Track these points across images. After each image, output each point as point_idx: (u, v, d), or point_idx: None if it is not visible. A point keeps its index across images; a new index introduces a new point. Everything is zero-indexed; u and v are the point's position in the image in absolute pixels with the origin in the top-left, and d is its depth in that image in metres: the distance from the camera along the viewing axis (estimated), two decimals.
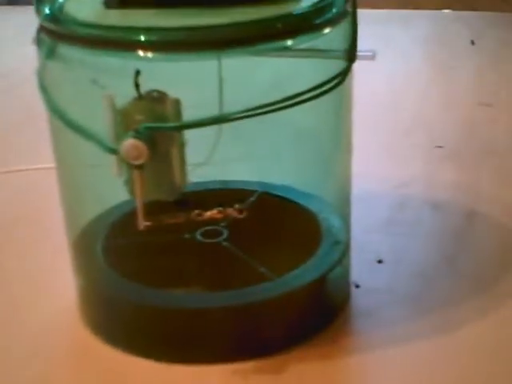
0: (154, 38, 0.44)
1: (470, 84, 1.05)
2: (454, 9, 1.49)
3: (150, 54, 0.44)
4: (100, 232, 0.60)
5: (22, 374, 0.53)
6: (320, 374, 0.51)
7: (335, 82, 0.48)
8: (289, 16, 0.46)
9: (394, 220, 0.70)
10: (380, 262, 0.63)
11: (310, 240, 0.58)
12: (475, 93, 1.02)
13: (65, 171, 0.58)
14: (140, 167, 0.44)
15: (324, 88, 0.47)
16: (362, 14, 1.39)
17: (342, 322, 0.56)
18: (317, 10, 0.47)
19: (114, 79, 0.48)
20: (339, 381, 0.52)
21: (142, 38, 0.44)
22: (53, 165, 0.58)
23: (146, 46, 0.44)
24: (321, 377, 0.51)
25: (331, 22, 0.48)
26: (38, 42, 0.51)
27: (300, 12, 0.47)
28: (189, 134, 0.47)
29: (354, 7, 0.49)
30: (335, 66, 0.50)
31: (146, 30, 0.44)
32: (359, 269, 0.61)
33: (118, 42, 0.44)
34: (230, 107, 0.46)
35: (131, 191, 0.47)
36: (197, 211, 0.52)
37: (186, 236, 0.59)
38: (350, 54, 0.49)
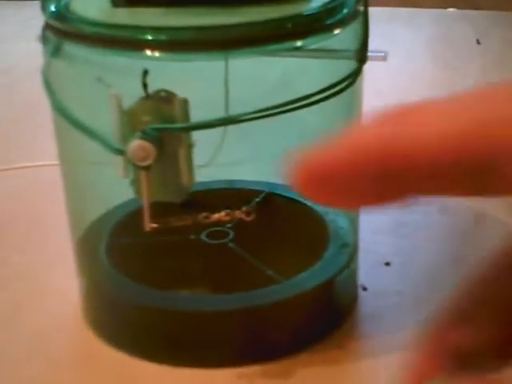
0: (161, 37, 0.43)
1: (476, 84, 1.05)
2: (458, 7, 1.48)
3: (157, 54, 0.43)
4: (104, 231, 0.59)
5: (22, 375, 0.52)
6: (327, 379, 0.51)
7: (346, 83, 0.47)
8: (299, 16, 0.46)
9: (402, 222, 0.69)
10: (388, 264, 0.62)
11: (317, 242, 0.57)
12: None
13: (69, 169, 0.57)
14: (147, 168, 0.43)
15: (334, 89, 0.46)
16: None
17: (350, 326, 0.56)
18: (328, 11, 0.46)
19: (120, 78, 0.47)
20: None
21: (150, 37, 0.43)
22: (56, 162, 0.57)
23: (153, 46, 0.43)
24: (328, 381, 0.51)
25: (342, 23, 0.47)
26: (44, 39, 0.50)
27: (311, 12, 0.46)
28: (194, 134, 0.47)
29: (366, 7, 0.48)
30: (345, 66, 0.49)
31: (154, 29, 0.43)
32: (367, 271, 0.60)
33: (125, 40, 0.43)
34: (238, 107, 0.45)
35: (137, 192, 0.46)
36: (204, 213, 0.52)
37: (192, 237, 0.58)
38: (361, 55, 0.49)
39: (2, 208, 0.74)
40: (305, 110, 0.46)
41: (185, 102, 0.44)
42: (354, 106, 0.54)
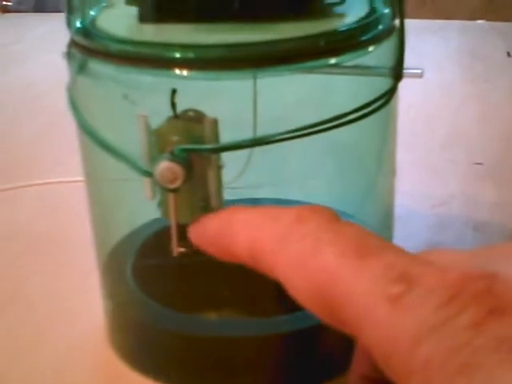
0: (189, 55, 0.41)
1: (507, 98, 1.02)
2: (487, 19, 1.46)
3: (185, 72, 0.41)
4: (130, 252, 0.57)
5: None
6: None
7: (382, 101, 0.45)
8: (332, 33, 0.44)
9: (434, 241, 0.67)
10: None
11: None
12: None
13: (94, 187, 0.56)
14: (175, 191, 0.42)
15: (370, 108, 0.44)
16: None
17: None
18: (362, 27, 0.45)
19: (147, 96, 0.46)
20: None
21: (178, 55, 0.41)
22: (80, 178, 0.56)
23: (181, 64, 0.41)
24: None
25: (377, 39, 0.45)
26: (69, 56, 0.49)
27: (345, 29, 0.44)
28: (223, 155, 0.45)
29: (402, 23, 0.46)
30: (378, 83, 0.48)
31: (182, 46, 0.41)
32: None
33: (153, 58, 0.42)
34: (269, 126, 0.44)
35: (165, 215, 0.44)
36: None
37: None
38: (397, 72, 0.47)
39: (25, 226, 0.73)
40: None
41: (214, 122, 0.42)
42: (389, 123, 0.52)
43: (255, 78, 0.41)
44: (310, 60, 0.42)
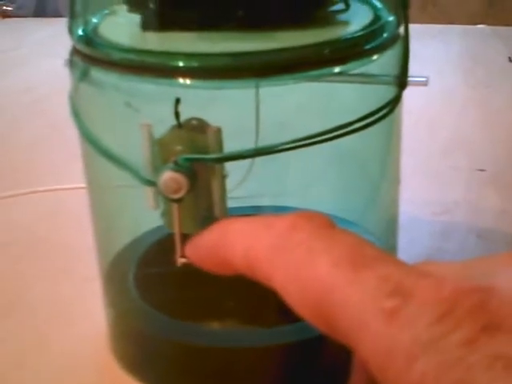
0: (193, 63, 0.41)
1: (509, 103, 1.02)
2: (488, 24, 1.45)
3: (188, 81, 0.41)
4: (132, 260, 0.57)
5: None
6: None
7: (386, 110, 0.45)
8: (337, 41, 0.43)
9: (438, 249, 0.67)
10: None
11: None
12: None
13: (96, 195, 0.55)
14: (179, 201, 0.41)
15: (375, 117, 0.44)
16: None
17: None
18: (367, 35, 0.44)
19: (150, 104, 0.45)
20: None
21: (181, 64, 0.41)
22: (83, 185, 0.55)
23: (184, 72, 0.41)
24: None
25: (382, 48, 0.45)
26: (71, 64, 0.48)
27: (349, 37, 0.44)
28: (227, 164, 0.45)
29: (407, 31, 0.46)
30: (382, 91, 0.47)
31: (185, 55, 0.41)
32: None
33: (156, 67, 0.41)
34: (273, 134, 0.43)
35: (168, 225, 0.44)
36: None
37: None
38: (401, 80, 0.46)
39: (25, 233, 0.73)
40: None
41: (218, 132, 0.42)
42: (393, 131, 0.51)
43: (258, 87, 0.41)
44: (314, 69, 0.42)
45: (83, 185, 0.55)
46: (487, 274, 0.27)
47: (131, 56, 0.42)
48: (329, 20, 0.46)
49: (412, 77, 0.46)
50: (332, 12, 0.47)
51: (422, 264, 0.30)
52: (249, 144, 0.45)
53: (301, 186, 0.62)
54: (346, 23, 0.46)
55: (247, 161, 0.48)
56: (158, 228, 0.57)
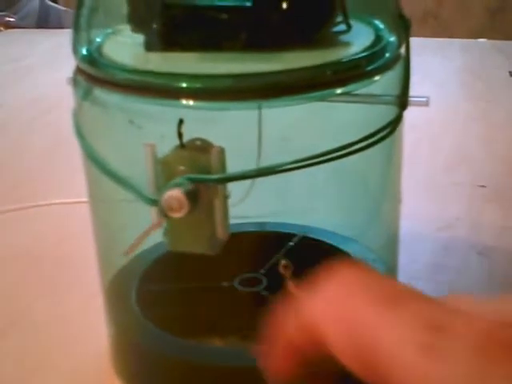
0: (196, 85, 0.41)
1: (509, 118, 1.02)
2: (489, 37, 1.46)
3: (191, 102, 0.41)
4: (134, 277, 0.57)
5: None
6: None
7: (388, 130, 0.45)
8: (339, 63, 0.44)
9: (439, 266, 0.67)
10: None
11: None
12: None
13: (99, 212, 0.55)
14: (181, 220, 0.42)
15: (376, 137, 0.44)
16: None
17: None
18: (369, 56, 0.45)
19: (153, 124, 0.46)
20: None
21: (184, 85, 0.41)
22: (85, 199, 0.55)
23: (187, 94, 0.41)
24: None
25: (383, 69, 0.45)
26: (74, 82, 0.49)
27: (351, 59, 0.44)
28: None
29: (408, 52, 0.46)
30: (383, 111, 0.48)
31: (188, 76, 0.41)
32: None
33: (159, 88, 0.42)
34: (276, 153, 0.44)
35: (171, 244, 0.44)
36: None
37: (224, 284, 0.56)
38: (403, 101, 0.47)
39: (28, 248, 0.73)
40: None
41: (221, 152, 0.42)
42: (394, 150, 0.52)
43: (260, 109, 0.41)
44: (316, 91, 0.42)
45: (86, 199, 0.55)
46: None
47: (135, 77, 0.43)
48: (331, 41, 0.46)
49: (413, 97, 0.47)
50: (334, 33, 0.47)
51: (449, 299, 0.31)
52: (251, 162, 0.46)
53: (302, 202, 0.62)
54: (347, 44, 0.47)
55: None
56: (159, 244, 0.57)
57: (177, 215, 0.41)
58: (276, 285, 0.55)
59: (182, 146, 0.42)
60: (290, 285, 0.35)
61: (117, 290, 0.57)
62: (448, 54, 1.34)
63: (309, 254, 0.59)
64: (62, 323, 0.61)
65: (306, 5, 0.45)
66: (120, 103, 0.44)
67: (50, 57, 1.41)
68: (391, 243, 0.57)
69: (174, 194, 0.41)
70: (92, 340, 0.58)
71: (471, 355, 0.24)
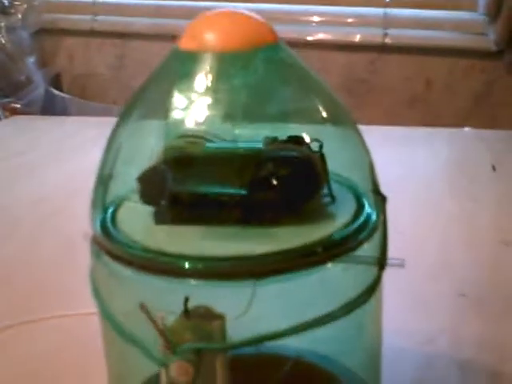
0: (197, 266, 0.47)
1: (492, 218, 1.09)
2: (472, 123, 1.53)
3: (193, 282, 0.47)
4: None
5: None
6: None
7: (370, 291, 0.51)
8: (328, 240, 0.50)
9: (421, 381, 0.72)
10: None
11: None
12: (497, 228, 1.05)
13: (110, 335, 0.60)
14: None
15: (361, 299, 0.50)
16: (381, 130, 1.42)
17: None
18: (355, 231, 0.51)
19: (160, 297, 0.52)
20: None
21: (187, 266, 0.47)
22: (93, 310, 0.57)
23: (190, 273, 0.48)
24: None
25: (367, 238, 0.51)
26: (92, 245, 0.55)
27: (338, 237, 0.50)
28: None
29: (385, 222, 0.53)
30: (364, 273, 0.54)
31: (190, 258, 0.48)
32: None
33: (164, 267, 0.48)
34: (269, 323, 0.49)
35: None
36: None
37: None
38: (381, 262, 0.53)
39: (44, 361, 0.78)
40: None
41: (222, 319, 0.48)
42: (376, 302, 0.57)
43: (254, 287, 0.47)
44: (308, 268, 0.48)
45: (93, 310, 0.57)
46: None
47: (144, 255, 0.49)
48: (318, 214, 0.53)
49: (390, 259, 0.53)
50: (321, 205, 0.54)
51: None
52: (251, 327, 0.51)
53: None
54: (333, 216, 0.53)
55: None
56: None
57: (183, 380, 0.47)
58: None
59: (188, 316, 0.49)
60: None
61: None
62: (434, 144, 1.40)
63: (302, 376, 0.65)
64: None
65: (294, 185, 0.51)
66: (131, 275, 0.50)
67: (56, 148, 1.45)
68: (374, 361, 0.62)
69: (180, 363, 0.47)
70: None
71: None
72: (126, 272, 0.50)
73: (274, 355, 0.68)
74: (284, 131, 0.54)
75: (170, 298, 0.51)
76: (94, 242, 0.54)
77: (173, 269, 0.48)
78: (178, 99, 0.53)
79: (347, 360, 0.65)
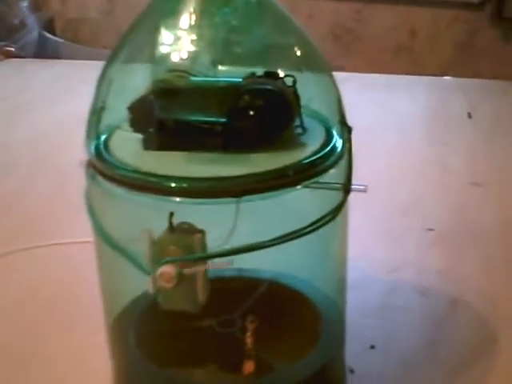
0: (182, 185, 0.53)
1: (464, 161, 1.15)
2: (456, 74, 1.58)
3: (178, 199, 0.54)
4: (133, 318, 0.68)
5: None
6: None
7: (335, 212, 0.58)
8: (298, 165, 0.56)
9: (385, 305, 0.79)
10: (373, 347, 0.73)
11: (312, 330, 0.67)
12: (468, 171, 1.11)
13: (104, 251, 0.64)
14: (171, 288, 0.54)
15: (326, 219, 0.56)
16: (365, 78, 1.48)
17: None
18: (323, 157, 0.57)
19: (148, 213, 0.58)
20: None
21: (173, 185, 0.53)
22: (90, 239, 0.63)
23: (175, 192, 0.54)
24: None
25: (333, 164, 0.57)
26: (86, 169, 0.60)
27: (308, 161, 0.56)
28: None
29: (350, 148, 0.59)
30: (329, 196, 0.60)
31: (176, 178, 0.54)
32: (354, 354, 0.70)
33: (152, 187, 0.54)
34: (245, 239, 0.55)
35: (162, 303, 0.57)
36: None
37: (206, 324, 0.68)
38: (346, 187, 0.59)
39: (37, 286, 0.84)
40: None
41: (202, 234, 0.55)
42: (342, 222, 0.64)
43: (238, 205, 0.53)
44: (280, 189, 0.55)
45: (89, 239, 0.63)
46: None
47: (135, 176, 0.55)
48: (291, 142, 0.59)
49: (354, 185, 0.59)
50: (293, 135, 0.60)
51: None
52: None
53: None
54: (304, 145, 0.59)
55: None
56: None
57: (167, 286, 0.54)
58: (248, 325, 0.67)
59: (172, 230, 0.55)
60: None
61: (119, 328, 0.68)
62: (414, 92, 1.46)
63: (277, 298, 0.71)
64: (68, 359, 0.72)
65: (268, 115, 0.57)
66: (123, 194, 0.56)
67: (51, 90, 1.50)
68: (341, 286, 0.69)
69: (165, 270, 0.53)
70: (97, 376, 0.69)
71: None
72: (118, 191, 0.56)
73: (251, 278, 0.74)
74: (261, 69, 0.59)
75: (157, 214, 0.57)
76: (89, 165, 0.59)
77: (160, 188, 0.54)
78: (164, 36, 0.59)
79: (317, 282, 0.72)
